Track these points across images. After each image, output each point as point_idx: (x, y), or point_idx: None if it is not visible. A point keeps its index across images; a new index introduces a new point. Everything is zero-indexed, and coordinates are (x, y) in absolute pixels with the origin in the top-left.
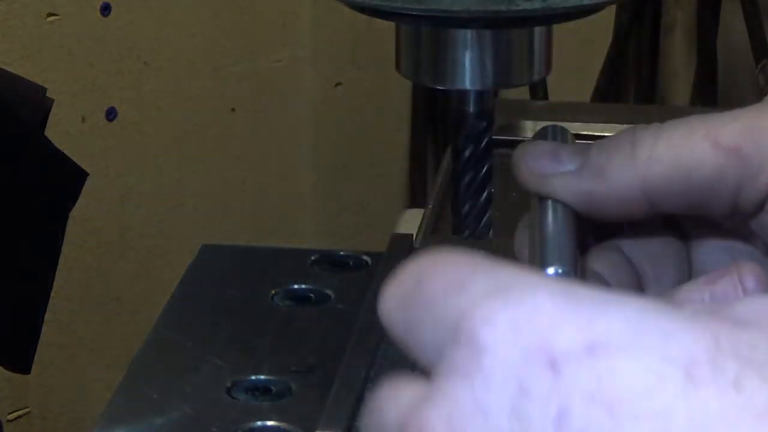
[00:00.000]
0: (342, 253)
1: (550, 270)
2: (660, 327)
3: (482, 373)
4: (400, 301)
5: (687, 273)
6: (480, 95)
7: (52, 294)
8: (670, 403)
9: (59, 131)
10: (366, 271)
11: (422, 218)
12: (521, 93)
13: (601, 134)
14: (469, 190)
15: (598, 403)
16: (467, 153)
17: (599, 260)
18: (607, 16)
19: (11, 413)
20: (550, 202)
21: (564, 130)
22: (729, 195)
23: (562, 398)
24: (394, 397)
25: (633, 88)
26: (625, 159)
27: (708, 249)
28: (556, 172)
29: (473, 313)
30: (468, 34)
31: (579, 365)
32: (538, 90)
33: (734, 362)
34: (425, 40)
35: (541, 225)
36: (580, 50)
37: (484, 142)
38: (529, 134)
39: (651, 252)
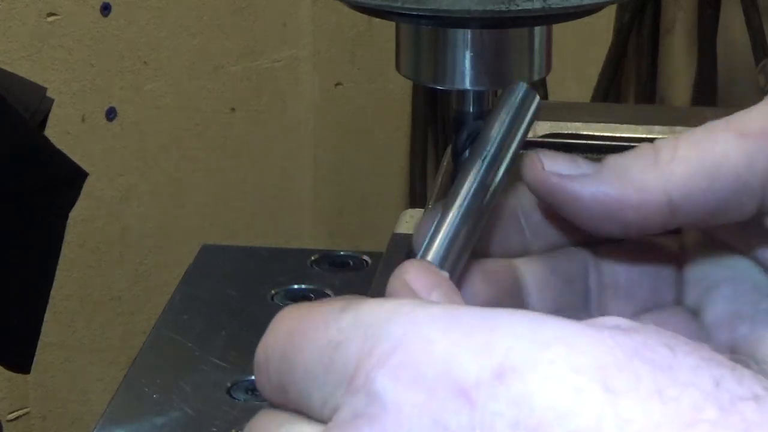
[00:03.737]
0: (342, 253)
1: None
2: (557, 336)
3: (390, 416)
4: (278, 352)
5: (654, 300)
6: (480, 95)
7: (52, 294)
8: (597, 417)
9: (59, 131)
10: (366, 271)
11: None
12: None
13: (601, 134)
14: None
15: (524, 430)
16: (467, 153)
17: (528, 268)
18: (607, 16)
19: (11, 413)
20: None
21: (532, 93)
22: (758, 186)
23: (487, 429)
24: None
25: (633, 88)
26: (647, 162)
27: (703, 266)
28: (574, 173)
29: (362, 362)
30: (468, 34)
31: (493, 393)
32: (538, 90)
33: (642, 365)
34: (425, 40)
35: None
36: (580, 50)
37: None
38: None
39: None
